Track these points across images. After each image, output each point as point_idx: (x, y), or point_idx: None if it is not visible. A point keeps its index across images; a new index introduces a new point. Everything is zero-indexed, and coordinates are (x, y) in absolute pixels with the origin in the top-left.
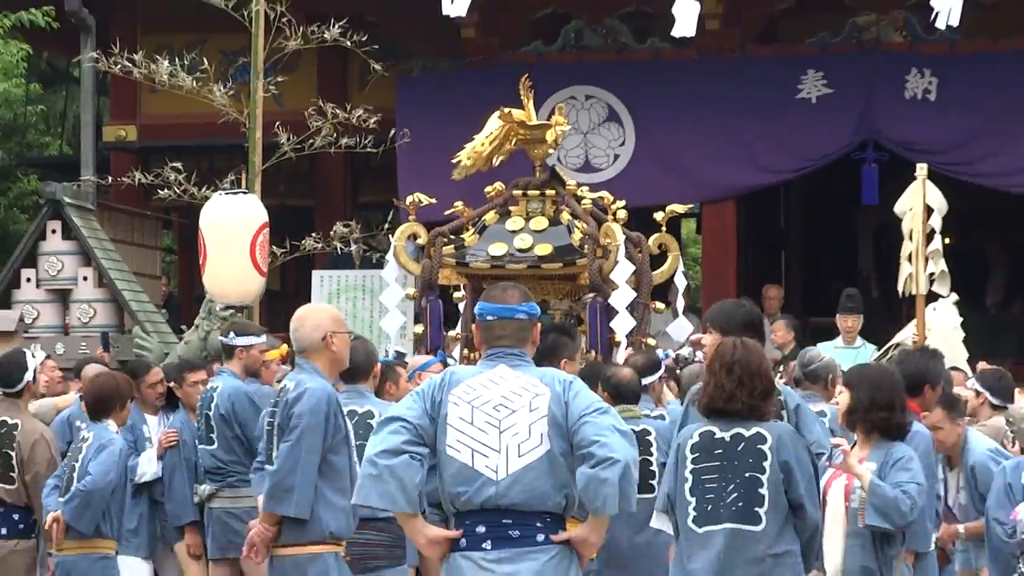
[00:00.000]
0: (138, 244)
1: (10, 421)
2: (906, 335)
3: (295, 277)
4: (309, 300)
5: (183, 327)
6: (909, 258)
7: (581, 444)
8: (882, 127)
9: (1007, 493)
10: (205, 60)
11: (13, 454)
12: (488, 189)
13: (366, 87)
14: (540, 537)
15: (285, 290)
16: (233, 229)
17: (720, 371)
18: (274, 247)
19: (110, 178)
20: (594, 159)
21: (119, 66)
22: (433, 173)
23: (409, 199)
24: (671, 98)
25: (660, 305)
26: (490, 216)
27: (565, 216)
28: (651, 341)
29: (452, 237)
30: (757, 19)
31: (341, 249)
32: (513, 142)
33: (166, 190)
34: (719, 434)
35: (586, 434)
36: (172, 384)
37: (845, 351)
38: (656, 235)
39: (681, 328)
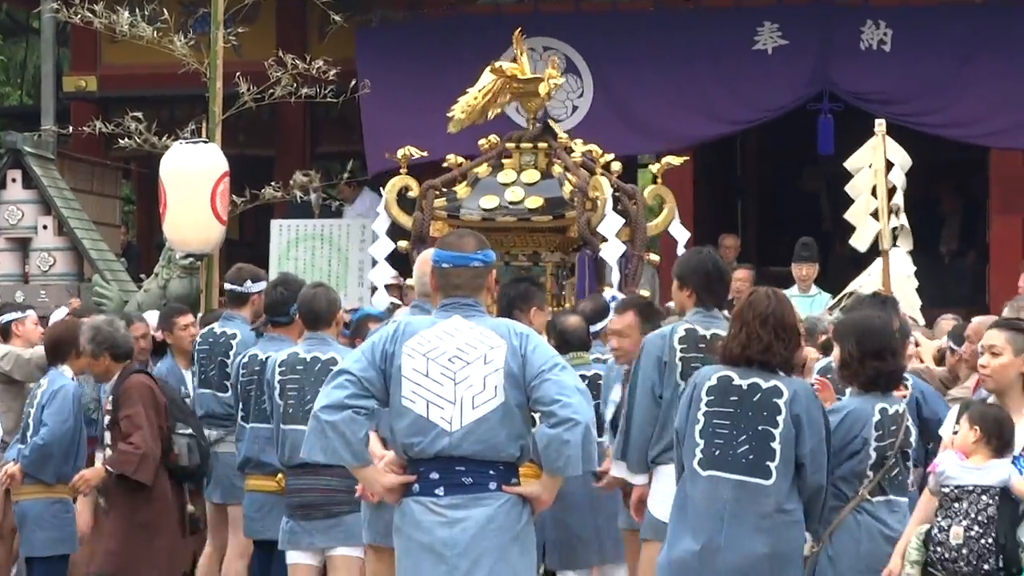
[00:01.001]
0: (98, 193)
1: None
2: (860, 283)
3: (254, 226)
4: (268, 249)
5: (142, 276)
6: (875, 214)
7: (542, 401)
8: (837, 78)
9: None
10: (165, 11)
11: None
12: (482, 142)
13: (325, 38)
14: (492, 485)
15: (244, 239)
16: (194, 178)
17: (754, 321)
18: (234, 196)
19: (70, 128)
20: (553, 110)
21: (79, 16)
22: (394, 123)
23: (400, 152)
24: (628, 49)
25: (655, 257)
26: (482, 169)
27: (557, 169)
28: (645, 293)
29: (444, 190)
30: None
31: (301, 198)
32: (507, 95)
33: (126, 140)
34: (737, 380)
35: (548, 392)
36: (162, 331)
37: (801, 299)
38: (652, 187)
39: None
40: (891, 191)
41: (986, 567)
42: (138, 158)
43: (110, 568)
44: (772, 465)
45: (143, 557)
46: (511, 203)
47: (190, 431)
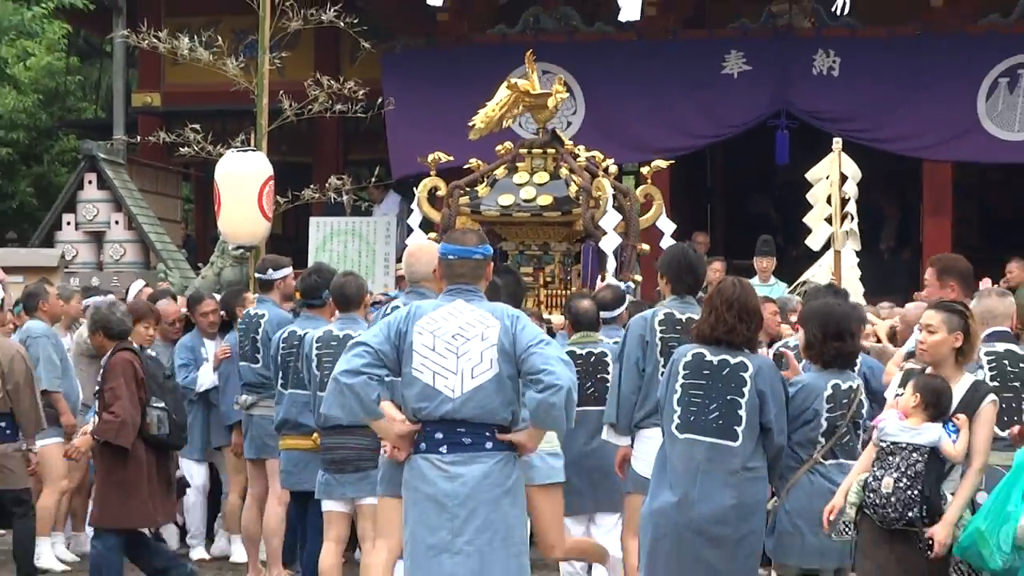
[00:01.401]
0: (161, 194)
1: None
2: (812, 273)
3: (295, 223)
4: (307, 243)
5: (199, 264)
6: (829, 220)
7: (530, 371)
8: (793, 99)
9: None
10: (219, 38)
11: None
12: (499, 148)
13: (356, 62)
14: (488, 445)
15: (286, 234)
16: (243, 181)
17: (721, 306)
18: (278, 197)
19: (138, 137)
20: (550, 125)
21: (146, 42)
22: (415, 135)
23: (431, 157)
24: (615, 74)
25: (645, 246)
26: (500, 171)
27: (563, 171)
28: (638, 278)
29: (467, 189)
30: (688, 6)
31: (334, 199)
32: (519, 108)
33: (186, 148)
34: (709, 357)
35: (535, 363)
36: (223, 310)
37: (761, 288)
38: (643, 186)
39: None
40: (844, 200)
41: (910, 515)
42: (196, 164)
43: (94, 521)
44: (739, 429)
45: (119, 513)
46: (525, 201)
47: (162, 405)
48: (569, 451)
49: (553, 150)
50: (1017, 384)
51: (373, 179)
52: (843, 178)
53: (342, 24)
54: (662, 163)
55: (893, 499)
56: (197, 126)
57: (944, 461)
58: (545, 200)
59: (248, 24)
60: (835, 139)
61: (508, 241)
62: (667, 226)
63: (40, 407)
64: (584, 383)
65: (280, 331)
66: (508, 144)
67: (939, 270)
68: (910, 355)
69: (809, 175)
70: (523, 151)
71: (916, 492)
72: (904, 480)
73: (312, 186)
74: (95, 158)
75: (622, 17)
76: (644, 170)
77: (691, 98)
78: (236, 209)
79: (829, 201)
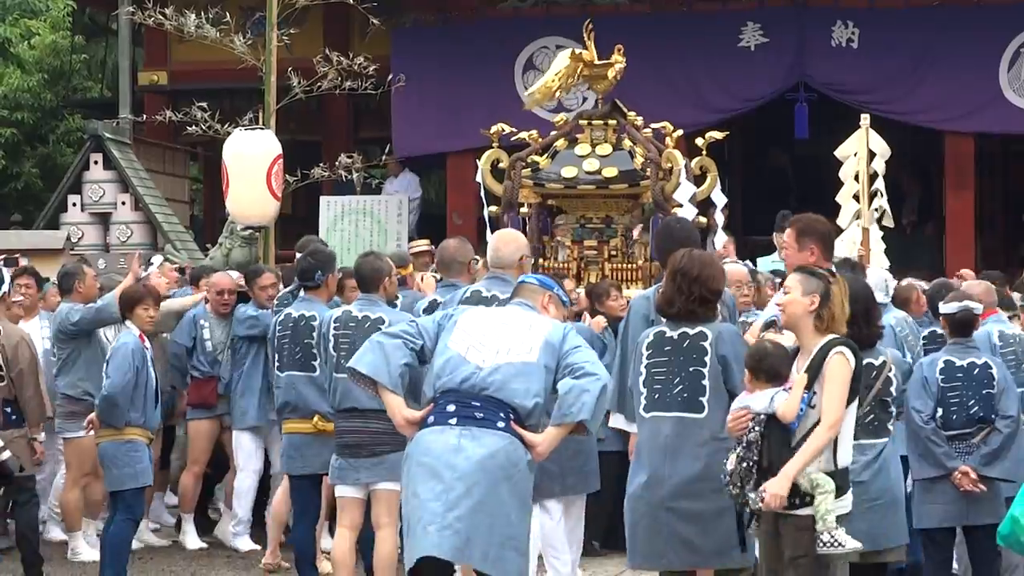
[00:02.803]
0: (169, 174)
1: None
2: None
3: (305, 202)
4: (317, 223)
5: (208, 245)
6: (856, 197)
7: (572, 365)
8: (811, 71)
9: (923, 386)
10: (227, 14)
11: None
12: (557, 118)
13: (366, 38)
14: (500, 424)
15: (296, 214)
16: (252, 160)
17: (677, 278)
18: (287, 176)
19: (144, 117)
20: (566, 100)
21: (152, 19)
22: (422, 113)
23: (493, 128)
24: (629, 47)
25: (702, 219)
26: (560, 143)
27: (627, 143)
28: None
29: (529, 161)
30: None
31: (345, 177)
32: (576, 78)
33: (193, 127)
34: (668, 333)
35: (578, 359)
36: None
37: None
38: (697, 158)
39: (720, 240)
40: (872, 177)
41: (746, 489)
42: (203, 143)
43: None
44: (704, 400)
45: None
46: (588, 173)
47: None
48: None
49: (614, 121)
50: None
51: (383, 156)
52: (871, 155)
53: (351, 0)
54: (717, 134)
55: (733, 476)
56: (204, 104)
57: (787, 426)
58: (610, 172)
59: (256, 0)
60: (863, 115)
61: (568, 214)
62: (719, 199)
63: (44, 396)
64: None
65: (277, 314)
66: (563, 116)
67: (798, 231)
68: (769, 325)
69: (838, 152)
70: (583, 122)
71: (751, 463)
72: (742, 452)
73: (322, 164)
74: (101, 138)
75: None
76: (699, 141)
77: (707, 71)
78: (245, 189)
79: (856, 178)
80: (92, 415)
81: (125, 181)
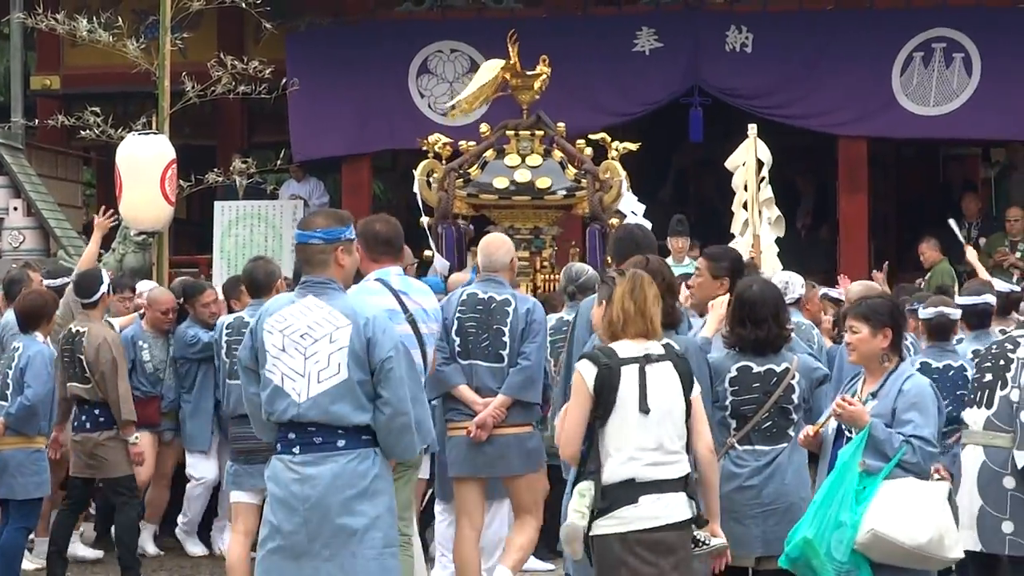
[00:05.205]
0: (61, 179)
1: (82, 329)
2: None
3: (200, 207)
4: (212, 227)
5: (102, 251)
6: (745, 205)
7: (378, 394)
8: (706, 76)
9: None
10: (119, 18)
11: (83, 358)
12: (483, 129)
13: (260, 42)
14: (341, 443)
15: (191, 218)
16: (145, 165)
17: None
18: (181, 181)
19: (37, 121)
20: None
21: (44, 23)
22: (319, 116)
23: (432, 139)
24: (524, 52)
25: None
26: (489, 153)
27: (556, 154)
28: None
29: (461, 172)
30: None
31: (239, 182)
32: (498, 89)
33: (86, 131)
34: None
35: (381, 391)
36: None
37: (675, 268)
38: (605, 162)
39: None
40: (760, 181)
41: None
42: (97, 148)
43: None
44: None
45: None
46: (520, 183)
47: None
48: None
49: (541, 132)
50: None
51: (278, 161)
52: (759, 164)
53: (244, 4)
54: (631, 145)
55: None
56: (97, 109)
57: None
58: (544, 183)
59: (149, 4)
60: (750, 125)
61: (496, 225)
62: (638, 207)
63: (130, 396)
64: None
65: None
66: (484, 126)
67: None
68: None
69: (728, 163)
70: (509, 133)
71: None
72: None
73: (216, 169)
74: None
75: None
76: (612, 153)
77: (603, 75)
78: (138, 193)
79: (746, 188)
80: None
81: (17, 186)
